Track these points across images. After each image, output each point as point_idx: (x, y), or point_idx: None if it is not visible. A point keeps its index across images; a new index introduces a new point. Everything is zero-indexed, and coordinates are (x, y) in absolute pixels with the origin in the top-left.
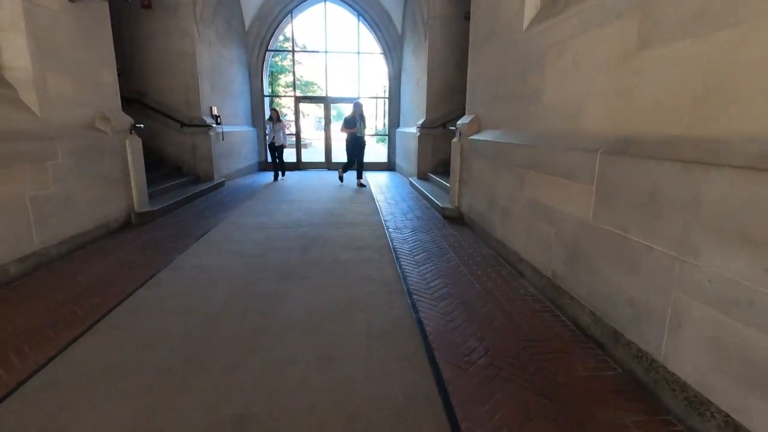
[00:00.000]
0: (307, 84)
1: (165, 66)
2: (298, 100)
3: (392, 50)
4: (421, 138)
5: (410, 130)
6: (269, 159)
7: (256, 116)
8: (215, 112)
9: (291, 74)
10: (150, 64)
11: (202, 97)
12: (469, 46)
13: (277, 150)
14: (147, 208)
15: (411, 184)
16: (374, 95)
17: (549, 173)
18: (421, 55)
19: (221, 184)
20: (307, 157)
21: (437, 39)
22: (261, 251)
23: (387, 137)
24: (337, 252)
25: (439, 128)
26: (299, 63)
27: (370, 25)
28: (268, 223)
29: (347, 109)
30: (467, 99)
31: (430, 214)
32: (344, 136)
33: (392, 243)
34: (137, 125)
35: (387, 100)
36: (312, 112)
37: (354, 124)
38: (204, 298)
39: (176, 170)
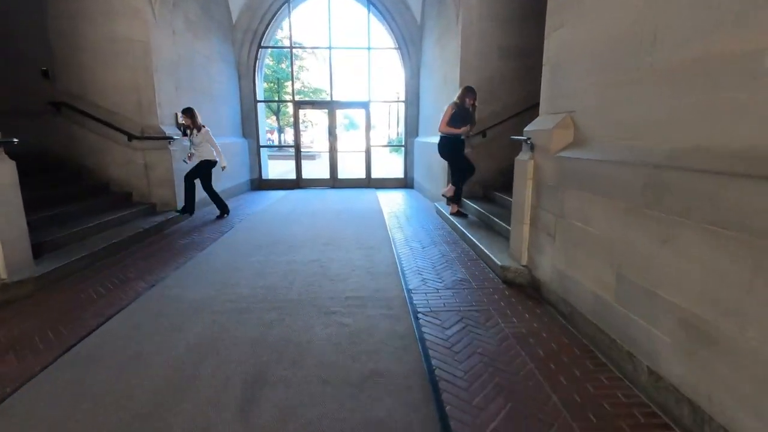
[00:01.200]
0: (316, 91)
1: (107, 58)
2: (298, 105)
3: (409, 44)
4: None
5: (435, 140)
6: (210, 189)
7: (246, 125)
8: (181, 120)
9: (299, 82)
10: (86, 55)
11: (160, 99)
12: (548, 7)
13: (200, 173)
14: (26, 275)
15: (439, 212)
16: (388, 99)
17: None
18: (449, 42)
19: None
20: (309, 172)
21: (473, 18)
22: (165, 393)
23: (403, 148)
24: (320, 402)
25: (477, 137)
26: (306, 69)
27: (382, 14)
28: (217, 300)
29: (356, 116)
30: (544, 89)
31: (479, 273)
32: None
33: (429, 361)
34: (4, 140)
35: (403, 104)
36: (321, 120)
37: (468, 120)
38: None
39: (124, 198)
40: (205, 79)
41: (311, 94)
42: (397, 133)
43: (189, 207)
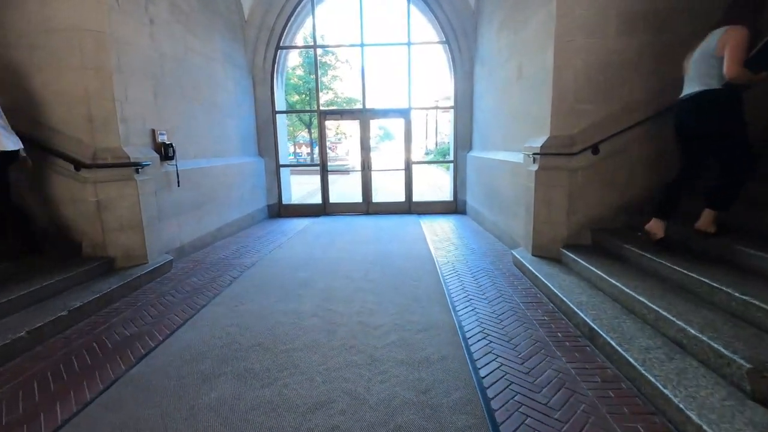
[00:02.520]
0: (349, 101)
1: (46, 55)
2: (325, 115)
3: (460, 36)
4: (542, 175)
5: (502, 156)
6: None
7: (263, 140)
8: (164, 138)
9: (332, 92)
10: (18, 53)
11: (124, 111)
12: None
13: None
14: None
15: (519, 264)
16: (427, 106)
17: None
18: (529, 19)
19: (161, 271)
20: (341, 190)
21: None
22: None
23: (452, 165)
24: None
25: (583, 154)
26: (339, 79)
27: (426, 2)
28: None
29: (391, 126)
30: None
31: None
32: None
33: None
34: None
35: (446, 111)
36: (355, 132)
37: None
38: None
39: (70, 251)
40: (205, 86)
41: (344, 105)
42: (435, 144)
43: None
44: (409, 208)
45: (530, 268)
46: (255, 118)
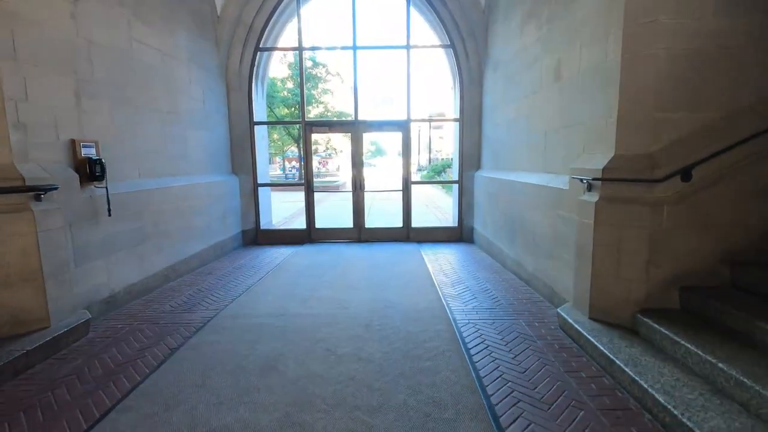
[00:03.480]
0: (340, 115)
1: None
2: (310, 127)
3: (467, 39)
4: (607, 209)
5: (530, 178)
6: None
7: (238, 156)
8: (91, 152)
9: (322, 106)
10: None
11: (24, 115)
12: None
13: None
14: None
15: (576, 336)
16: (423, 118)
17: None
18: (573, 6)
19: (70, 338)
20: (330, 210)
21: None
22: None
23: (456, 185)
24: None
25: (670, 181)
26: (330, 92)
27: (428, 0)
28: None
29: (385, 141)
30: None
31: None
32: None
33: None
34: None
35: (456, 124)
36: (347, 148)
37: None
38: None
39: None
40: (160, 89)
41: (335, 119)
42: (429, 160)
43: None
44: (408, 234)
45: (594, 342)
46: (229, 130)
